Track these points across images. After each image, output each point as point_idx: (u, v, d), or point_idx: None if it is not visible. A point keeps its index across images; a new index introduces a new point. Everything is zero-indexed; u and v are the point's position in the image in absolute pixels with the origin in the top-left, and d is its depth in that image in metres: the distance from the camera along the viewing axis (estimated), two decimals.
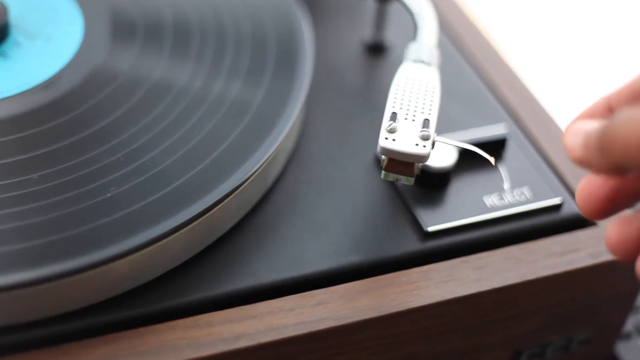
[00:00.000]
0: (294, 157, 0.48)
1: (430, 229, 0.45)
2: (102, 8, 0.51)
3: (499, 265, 0.44)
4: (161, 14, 0.51)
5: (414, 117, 0.42)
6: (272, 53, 0.50)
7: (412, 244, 0.44)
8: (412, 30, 0.50)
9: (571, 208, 0.47)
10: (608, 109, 0.36)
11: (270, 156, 0.45)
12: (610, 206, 0.35)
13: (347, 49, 0.56)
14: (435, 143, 0.42)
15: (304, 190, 0.47)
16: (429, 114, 0.42)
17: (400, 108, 0.43)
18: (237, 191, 0.43)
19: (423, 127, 0.42)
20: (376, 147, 0.41)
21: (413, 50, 0.47)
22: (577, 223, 0.47)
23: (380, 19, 0.55)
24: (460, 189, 0.47)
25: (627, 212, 0.35)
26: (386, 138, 0.41)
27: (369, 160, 0.48)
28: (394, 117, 0.42)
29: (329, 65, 0.55)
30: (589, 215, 0.36)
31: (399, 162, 0.41)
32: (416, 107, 0.43)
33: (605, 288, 0.47)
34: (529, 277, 0.44)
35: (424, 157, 0.41)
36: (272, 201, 0.46)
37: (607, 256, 0.45)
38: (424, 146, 0.41)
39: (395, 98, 0.43)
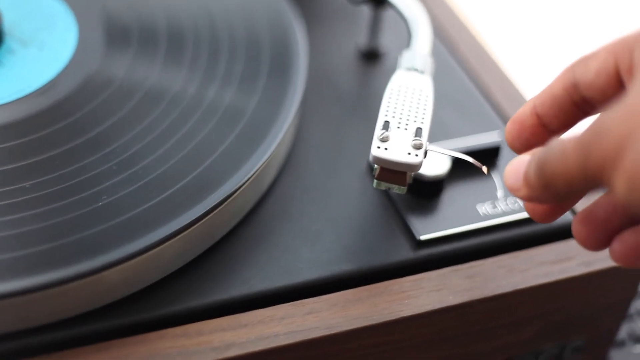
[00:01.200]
0: (287, 164, 0.48)
1: (423, 237, 0.45)
2: (96, 14, 0.51)
3: (491, 274, 0.44)
4: (155, 20, 0.51)
5: (406, 125, 0.42)
6: (266, 59, 0.50)
7: (405, 253, 0.44)
8: (407, 37, 0.50)
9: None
10: (536, 116, 0.39)
11: (263, 164, 0.44)
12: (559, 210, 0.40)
13: (342, 56, 0.56)
14: (428, 152, 0.42)
15: (297, 198, 0.47)
16: (422, 122, 0.42)
17: (393, 117, 0.43)
18: (230, 199, 0.43)
19: (415, 136, 0.41)
20: (369, 155, 0.41)
21: (406, 58, 0.47)
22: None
23: (375, 26, 0.55)
24: (453, 198, 0.47)
25: (583, 209, 0.38)
26: (378, 147, 0.41)
27: (362, 168, 0.48)
28: (386, 125, 0.42)
29: (323, 71, 0.55)
30: (540, 219, 0.40)
31: (391, 171, 0.41)
32: (409, 115, 0.43)
33: (598, 296, 0.47)
34: (521, 286, 0.44)
35: (416, 167, 0.41)
36: (265, 209, 0.46)
37: (599, 264, 0.45)
38: (416, 155, 0.41)
39: (388, 106, 0.43)
